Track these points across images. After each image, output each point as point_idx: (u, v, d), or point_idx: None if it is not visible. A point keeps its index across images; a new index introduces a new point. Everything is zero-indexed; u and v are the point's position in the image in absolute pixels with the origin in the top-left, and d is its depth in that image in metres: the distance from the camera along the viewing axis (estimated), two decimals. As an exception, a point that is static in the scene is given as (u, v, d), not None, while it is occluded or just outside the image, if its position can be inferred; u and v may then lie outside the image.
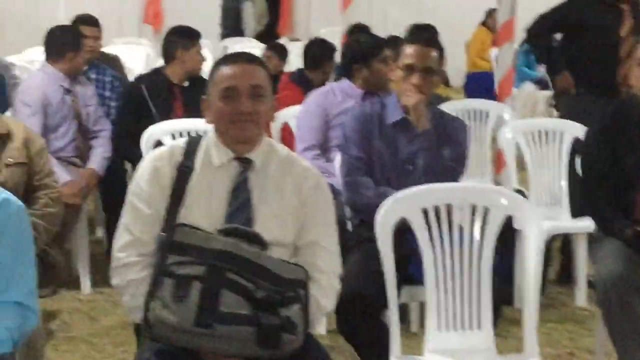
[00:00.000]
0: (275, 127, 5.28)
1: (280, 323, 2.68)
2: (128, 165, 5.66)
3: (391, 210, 3.34)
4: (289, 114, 5.29)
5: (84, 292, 5.12)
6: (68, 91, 5.32)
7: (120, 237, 2.91)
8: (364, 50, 5.01)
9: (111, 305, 4.94)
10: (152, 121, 5.10)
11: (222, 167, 2.92)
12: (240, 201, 2.88)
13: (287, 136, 5.38)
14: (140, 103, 5.44)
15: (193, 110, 5.26)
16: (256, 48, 9.94)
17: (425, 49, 3.86)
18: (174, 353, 2.72)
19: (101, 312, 4.89)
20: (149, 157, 2.97)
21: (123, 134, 5.45)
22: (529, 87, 9.63)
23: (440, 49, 3.94)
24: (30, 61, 7.41)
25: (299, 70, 6.59)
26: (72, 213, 4.79)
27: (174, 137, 4.78)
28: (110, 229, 5.66)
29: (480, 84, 10.66)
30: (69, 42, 5.36)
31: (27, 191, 3.84)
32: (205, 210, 2.85)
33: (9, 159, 3.78)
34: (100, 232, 6.09)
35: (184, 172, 2.89)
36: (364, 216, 3.84)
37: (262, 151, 2.96)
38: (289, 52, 8.67)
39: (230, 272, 2.71)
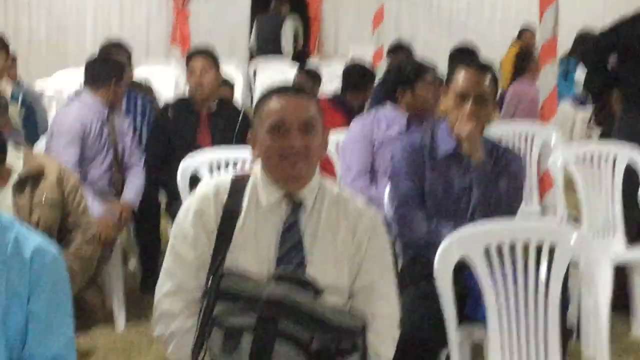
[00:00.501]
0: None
1: (337, 376, 2.49)
2: (162, 196, 5.48)
3: (451, 250, 3.12)
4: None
5: (119, 329, 4.93)
6: (106, 121, 5.13)
7: (163, 284, 2.72)
8: (407, 73, 4.79)
9: (147, 341, 4.75)
10: (181, 146, 5.04)
11: (271, 208, 2.72)
12: (291, 244, 2.69)
13: (325, 163, 5.17)
14: (168, 129, 5.36)
15: (218, 136, 5.25)
16: (288, 69, 9.79)
17: (479, 74, 3.61)
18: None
19: (137, 349, 4.71)
20: (193, 198, 2.77)
21: (153, 160, 5.34)
22: (566, 106, 9.38)
23: (494, 74, 3.70)
24: (59, 90, 7.23)
25: (337, 95, 6.37)
26: (106, 247, 4.61)
27: (211, 168, 4.62)
28: (144, 261, 5.51)
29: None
30: (112, 71, 5.15)
31: (62, 231, 3.66)
32: (254, 254, 2.67)
33: (42, 198, 3.58)
34: (133, 264, 5.89)
35: (230, 213, 2.70)
36: (416, 252, 3.64)
37: (313, 190, 2.76)
38: (322, 77, 8.38)
39: (283, 321, 2.52)
